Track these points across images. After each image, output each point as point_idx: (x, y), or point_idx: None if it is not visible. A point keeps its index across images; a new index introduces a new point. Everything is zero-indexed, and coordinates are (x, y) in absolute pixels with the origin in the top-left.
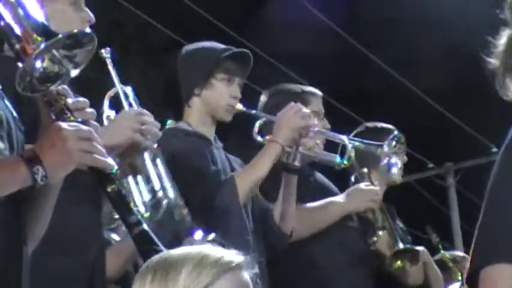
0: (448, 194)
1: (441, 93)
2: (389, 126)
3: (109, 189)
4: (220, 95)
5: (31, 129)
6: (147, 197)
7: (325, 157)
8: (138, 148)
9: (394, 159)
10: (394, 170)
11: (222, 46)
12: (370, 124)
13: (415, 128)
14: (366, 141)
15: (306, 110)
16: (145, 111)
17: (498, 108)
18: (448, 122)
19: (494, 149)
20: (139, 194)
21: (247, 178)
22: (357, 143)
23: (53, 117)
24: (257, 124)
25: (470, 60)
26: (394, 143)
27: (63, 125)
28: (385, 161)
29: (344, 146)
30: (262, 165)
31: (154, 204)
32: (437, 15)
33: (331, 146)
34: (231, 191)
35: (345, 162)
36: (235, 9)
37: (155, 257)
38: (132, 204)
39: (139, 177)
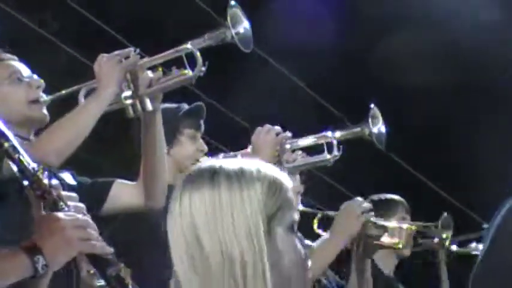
0: (439, 269)
1: (433, 170)
2: (394, 196)
3: (108, 273)
4: (189, 151)
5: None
6: None
7: (314, 160)
8: None
9: None
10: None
11: (175, 104)
12: (374, 197)
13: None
14: (350, 127)
15: (277, 127)
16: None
17: (489, 186)
18: (439, 197)
19: (485, 225)
20: None
21: None
22: (341, 133)
23: (47, 208)
24: None
25: (457, 137)
26: (376, 122)
27: (60, 214)
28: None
29: (329, 143)
30: None
31: None
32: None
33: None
34: None
35: (336, 154)
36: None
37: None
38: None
39: None
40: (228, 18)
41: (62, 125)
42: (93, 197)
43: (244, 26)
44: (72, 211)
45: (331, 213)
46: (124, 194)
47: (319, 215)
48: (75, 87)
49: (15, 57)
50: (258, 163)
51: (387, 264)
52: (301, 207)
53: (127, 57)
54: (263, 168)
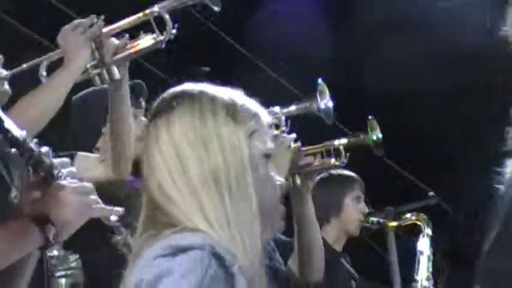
0: (387, 239)
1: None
2: (351, 173)
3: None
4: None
5: None
6: None
7: None
8: None
9: None
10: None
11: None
12: (333, 172)
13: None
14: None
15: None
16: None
17: (437, 156)
18: (388, 168)
19: (431, 193)
20: None
21: None
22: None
23: (42, 176)
24: None
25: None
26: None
27: (64, 182)
28: None
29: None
30: None
31: None
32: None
33: None
34: None
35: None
36: None
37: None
38: None
39: None
40: None
41: (34, 97)
42: None
43: None
44: (67, 177)
45: None
46: (87, 166)
47: None
48: (35, 60)
49: None
50: (231, 91)
51: (336, 241)
52: None
53: (91, 26)
54: (238, 95)
